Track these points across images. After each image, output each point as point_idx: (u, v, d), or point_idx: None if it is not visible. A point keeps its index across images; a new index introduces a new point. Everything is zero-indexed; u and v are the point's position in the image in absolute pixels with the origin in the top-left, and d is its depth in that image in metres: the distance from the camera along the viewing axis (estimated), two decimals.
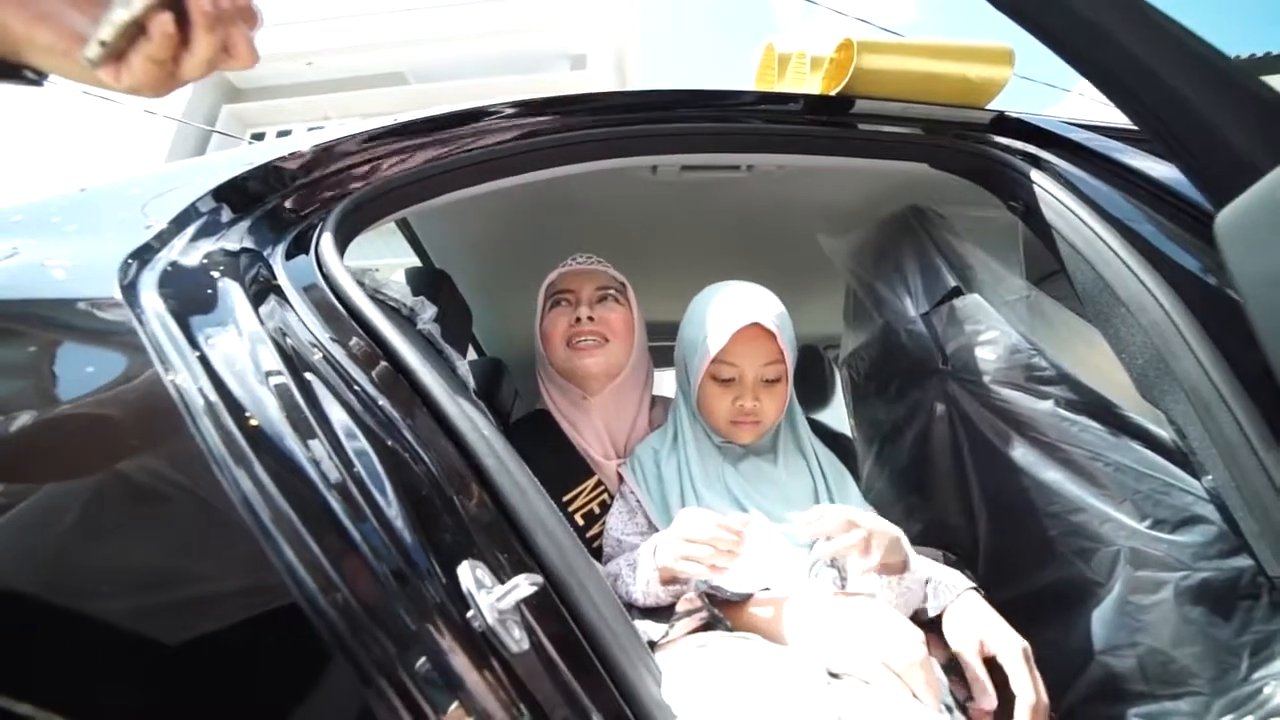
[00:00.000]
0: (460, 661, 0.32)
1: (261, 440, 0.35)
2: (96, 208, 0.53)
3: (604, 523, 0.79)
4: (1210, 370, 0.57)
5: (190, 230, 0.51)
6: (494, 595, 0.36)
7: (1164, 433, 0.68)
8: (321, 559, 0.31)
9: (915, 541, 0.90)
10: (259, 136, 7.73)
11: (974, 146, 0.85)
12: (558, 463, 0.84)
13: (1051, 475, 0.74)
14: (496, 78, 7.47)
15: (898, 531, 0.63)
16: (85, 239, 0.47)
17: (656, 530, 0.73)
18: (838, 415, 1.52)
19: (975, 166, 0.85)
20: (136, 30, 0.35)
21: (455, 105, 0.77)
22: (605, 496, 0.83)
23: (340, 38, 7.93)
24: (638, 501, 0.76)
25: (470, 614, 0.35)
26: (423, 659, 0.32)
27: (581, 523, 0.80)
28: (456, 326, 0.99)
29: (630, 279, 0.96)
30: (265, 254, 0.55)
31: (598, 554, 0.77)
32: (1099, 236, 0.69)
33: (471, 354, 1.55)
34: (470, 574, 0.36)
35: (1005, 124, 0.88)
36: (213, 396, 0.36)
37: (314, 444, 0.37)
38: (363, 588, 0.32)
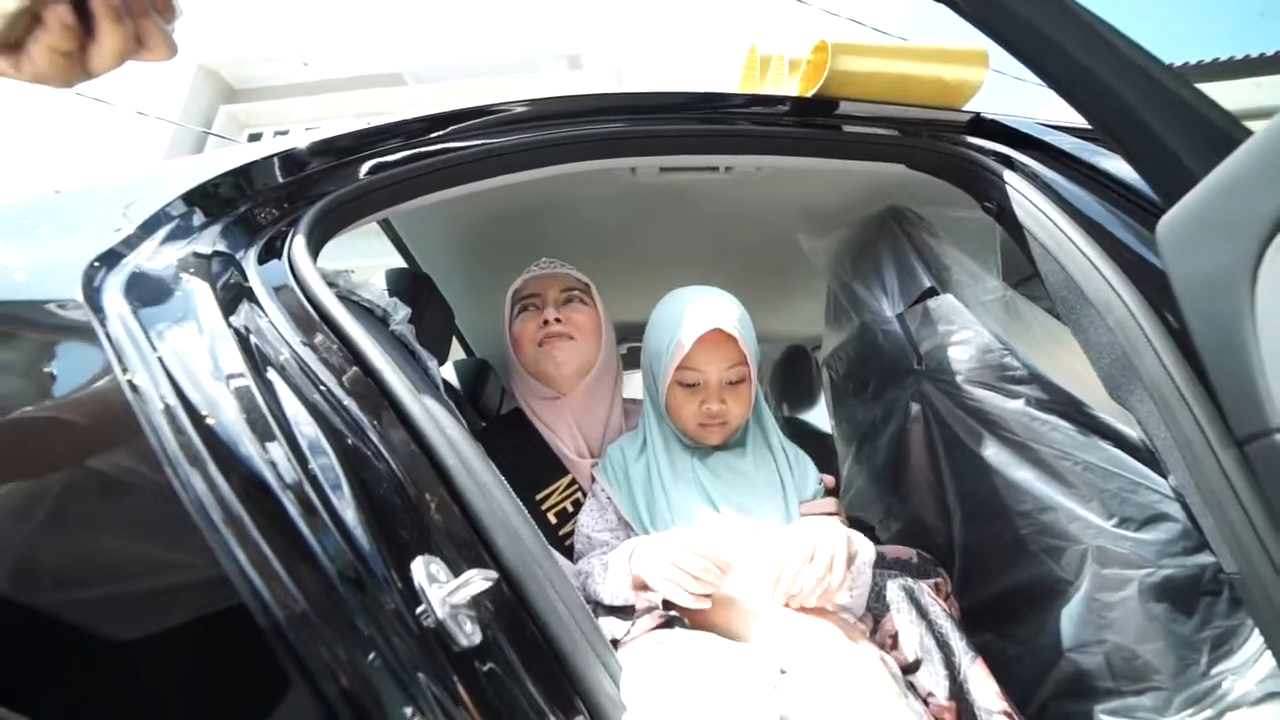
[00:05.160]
0: (407, 656, 0.33)
1: (217, 440, 0.36)
2: (69, 210, 0.54)
3: (576, 520, 0.80)
4: (1172, 370, 0.58)
5: (161, 234, 0.52)
6: (445, 589, 0.36)
7: (1132, 431, 0.69)
8: (271, 557, 0.32)
9: (893, 541, 0.91)
10: (256, 137, 7.73)
11: (949, 147, 0.86)
12: (531, 461, 0.85)
13: (1022, 474, 0.74)
14: (495, 78, 7.47)
15: (842, 532, 0.64)
16: (54, 242, 0.48)
17: (627, 525, 0.75)
18: (823, 415, 1.52)
19: (951, 167, 0.86)
20: (32, 20, 0.34)
21: (454, 106, 0.78)
22: (579, 495, 0.84)
23: (337, 38, 7.93)
24: (608, 498, 0.77)
25: (421, 609, 0.35)
26: (373, 654, 0.32)
27: (554, 521, 0.81)
28: (436, 327, 0.99)
29: (611, 280, 0.97)
30: (238, 257, 0.56)
31: (571, 551, 0.78)
32: (1068, 237, 0.69)
33: (461, 354, 1.56)
34: (424, 569, 0.37)
35: (981, 125, 0.88)
36: (171, 399, 0.37)
37: (272, 444, 0.38)
38: (310, 585, 0.32)
